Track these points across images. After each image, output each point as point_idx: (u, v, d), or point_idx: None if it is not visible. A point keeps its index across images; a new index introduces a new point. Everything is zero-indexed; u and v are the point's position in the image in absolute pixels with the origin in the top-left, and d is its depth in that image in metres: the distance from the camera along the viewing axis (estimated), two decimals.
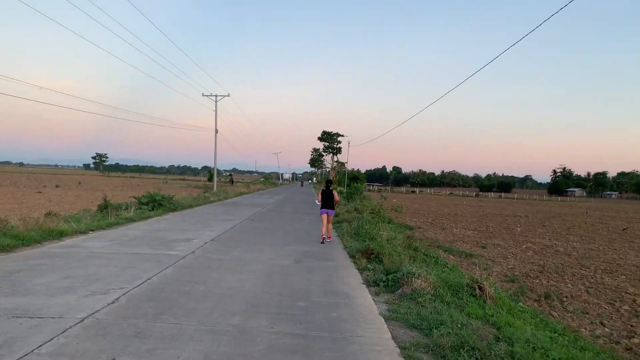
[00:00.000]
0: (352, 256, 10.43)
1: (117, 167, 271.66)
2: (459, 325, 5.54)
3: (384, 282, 7.81)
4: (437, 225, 29.20)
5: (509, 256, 18.13)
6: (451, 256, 16.69)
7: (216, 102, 42.09)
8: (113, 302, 5.82)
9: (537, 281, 13.78)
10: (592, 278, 14.62)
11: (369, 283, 7.89)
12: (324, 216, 13.13)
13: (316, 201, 14.02)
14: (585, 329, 9.33)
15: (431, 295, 7.09)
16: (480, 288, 8.02)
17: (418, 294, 7.03)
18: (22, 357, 4.00)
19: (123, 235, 11.96)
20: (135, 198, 19.72)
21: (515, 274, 14.64)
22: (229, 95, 42.57)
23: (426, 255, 12.86)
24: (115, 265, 8.10)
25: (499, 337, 5.47)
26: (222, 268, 8.37)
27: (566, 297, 12.05)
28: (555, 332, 7.80)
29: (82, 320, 5.06)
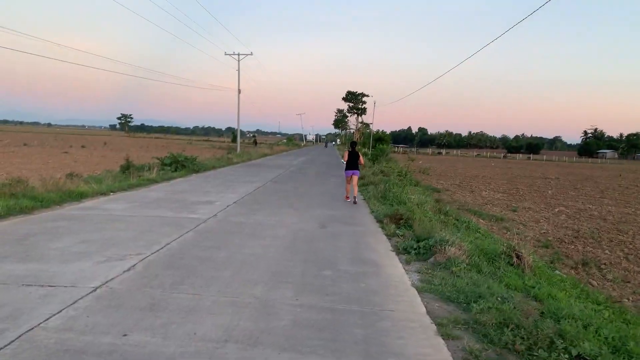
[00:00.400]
0: (379, 221, 9.97)
1: (142, 128, 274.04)
2: (499, 299, 5.08)
3: (414, 249, 7.33)
4: (465, 187, 28.48)
5: (541, 220, 17.50)
6: (481, 220, 16.16)
7: (239, 61, 41.32)
8: (129, 270, 5.51)
9: (573, 247, 13.20)
10: (630, 244, 13.95)
11: (398, 250, 7.43)
12: (350, 177, 13.29)
13: (342, 160, 14.33)
14: (628, 299, 8.80)
15: (466, 264, 6.61)
16: (518, 256, 7.52)
17: (452, 263, 6.55)
18: (26, 332, 3.70)
19: (144, 197, 11.72)
20: (158, 159, 19.52)
21: (549, 239, 14.07)
22: (251, 54, 41.74)
23: (457, 220, 12.34)
24: (134, 229, 7.82)
25: (543, 312, 5.01)
26: (244, 233, 8.01)
27: (604, 264, 11.48)
28: (598, 304, 7.31)
29: (95, 290, 4.76)
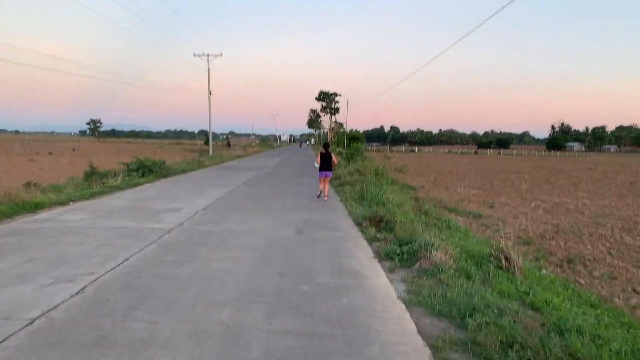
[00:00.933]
0: (358, 224, 9.40)
1: (113, 133, 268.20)
2: (495, 312, 4.58)
3: (398, 255, 6.78)
4: (440, 184, 28.23)
5: (519, 215, 17.23)
6: (459, 217, 15.78)
7: (208, 61, 40.32)
8: (77, 294, 4.80)
9: (554, 243, 12.89)
10: (611, 238, 13.74)
11: (380, 256, 6.88)
12: (322, 178, 13.70)
13: (315, 164, 14.43)
14: (619, 297, 8.44)
15: (454, 270, 6.10)
16: (506, 259, 7.06)
17: (439, 269, 6.04)
18: None
19: (106, 206, 10.90)
20: (124, 164, 18.58)
21: (530, 235, 13.75)
22: (221, 55, 40.71)
23: (438, 219, 11.88)
24: (90, 243, 7.06)
25: (544, 324, 4.52)
26: (212, 243, 7.31)
27: (589, 260, 11.18)
28: (592, 306, 6.91)
29: (32, 322, 4.05)
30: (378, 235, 8.23)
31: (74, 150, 65.16)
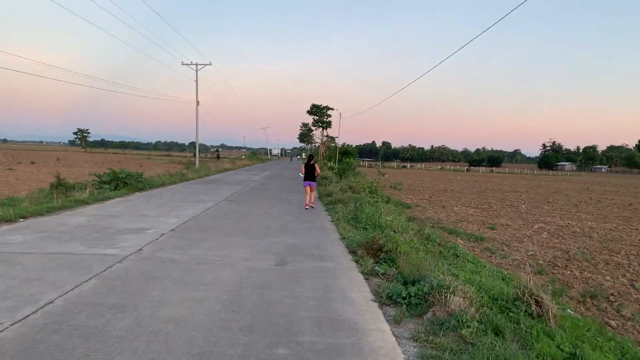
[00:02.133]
0: (352, 252, 7.95)
1: (102, 144, 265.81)
2: None
3: (404, 298, 5.34)
4: (435, 202, 27.00)
5: (524, 239, 15.97)
6: (460, 240, 14.52)
7: (197, 70, 39.01)
8: None
9: (569, 272, 11.61)
10: (629, 267, 12.51)
11: (382, 300, 5.42)
12: (307, 187, 14.88)
13: (300, 174, 15.77)
14: None
15: (477, 322, 4.71)
16: (536, 302, 5.68)
17: (459, 321, 4.64)
18: None
19: (60, 224, 9.39)
20: (97, 176, 17.04)
21: (540, 262, 12.47)
22: (210, 64, 39.43)
23: (443, 246, 10.49)
24: (14, 277, 5.56)
25: None
26: (171, 279, 5.79)
27: (612, 294, 9.91)
28: None
29: None
30: (377, 267, 6.79)
31: (58, 159, 63.50)
